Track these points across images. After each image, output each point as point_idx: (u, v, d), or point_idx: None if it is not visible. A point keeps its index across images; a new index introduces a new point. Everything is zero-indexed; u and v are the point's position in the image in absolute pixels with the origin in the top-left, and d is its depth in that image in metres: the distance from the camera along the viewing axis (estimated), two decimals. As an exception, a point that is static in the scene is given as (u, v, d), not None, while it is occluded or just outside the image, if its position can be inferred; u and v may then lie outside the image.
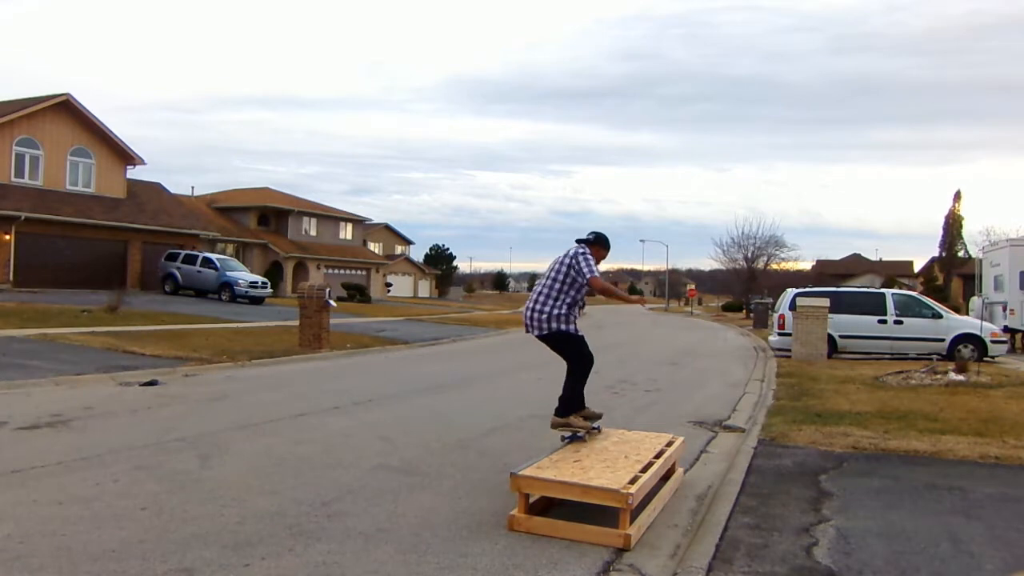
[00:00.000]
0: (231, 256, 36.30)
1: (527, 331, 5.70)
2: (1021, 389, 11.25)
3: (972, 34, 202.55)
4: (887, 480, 5.78)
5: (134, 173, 33.28)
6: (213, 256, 30.67)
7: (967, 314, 22.59)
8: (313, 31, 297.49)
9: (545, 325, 5.56)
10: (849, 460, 6.44)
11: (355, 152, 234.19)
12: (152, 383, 10.00)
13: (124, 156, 31.81)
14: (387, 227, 71.31)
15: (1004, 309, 20.28)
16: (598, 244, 5.76)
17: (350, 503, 4.87)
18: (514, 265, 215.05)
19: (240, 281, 29.02)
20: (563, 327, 5.56)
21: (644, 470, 4.65)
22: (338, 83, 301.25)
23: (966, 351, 16.60)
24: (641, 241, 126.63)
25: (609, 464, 4.73)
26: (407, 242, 74.67)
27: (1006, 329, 19.40)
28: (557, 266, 5.63)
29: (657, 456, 5.06)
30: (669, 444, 5.44)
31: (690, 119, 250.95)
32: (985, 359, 16.32)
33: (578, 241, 5.74)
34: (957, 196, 53.86)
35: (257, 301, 29.13)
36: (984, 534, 4.52)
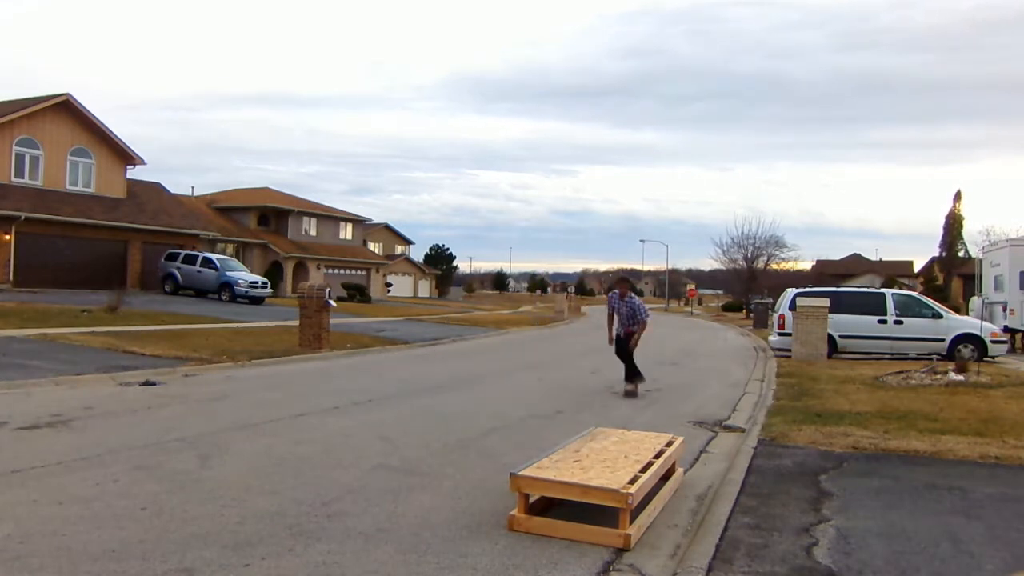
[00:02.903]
0: (231, 256, 36.29)
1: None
2: (1021, 389, 11.24)
3: (979, 31, 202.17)
4: (887, 480, 5.78)
5: (134, 173, 33.31)
6: (213, 256, 30.66)
7: (967, 314, 22.58)
8: (313, 29, 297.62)
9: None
10: (849, 460, 6.43)
11: (355, 151, 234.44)
12: (152, 383, 10.00)
13: (124, 156, 31.80)
14: (387, 227, 71.32)
15: (1004, 309, 20.27)
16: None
17: (350, 503, 4.87)
18: (514, 265, 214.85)
19: (240, 281, 29.01)
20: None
21: (644, 470, 4.65)
22: (338, 82, 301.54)
23: (966, 351, 16.59)
24: (641, 241, 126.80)
25: (609, 464, 4.73)
26: (407, 242, 74.68)
27: (1006, 329, 19.39)
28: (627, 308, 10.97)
29: (657, 456, 5.05)
30: (669, 444, 5.44)
31: (692, 118, 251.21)
32: (985, 359, 16.31)
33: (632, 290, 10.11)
34: (957, 196, 53.95)
35: (257, 301, 29.11)
36: (984, 534, 4.52)
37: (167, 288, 29.95)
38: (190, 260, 30.02)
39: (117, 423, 7.40)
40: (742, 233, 51.58)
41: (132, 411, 8.06)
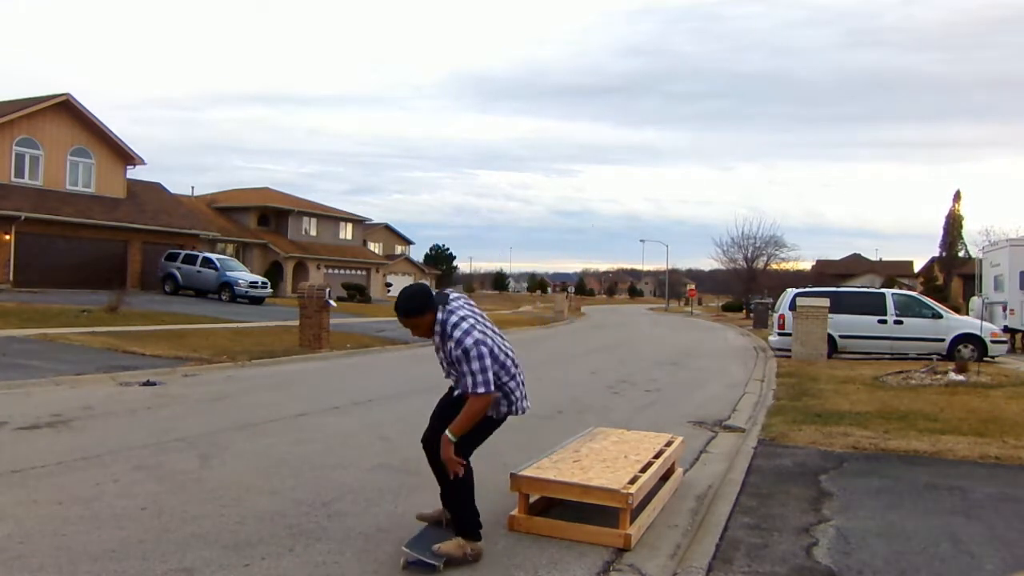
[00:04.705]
0: (231, 256, 36.29)
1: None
2: (1021, 389, 11.24)
3: (983, 29, 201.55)
4: (887, 480, 5.78)
5: (134, 173, 33.30)
6: (213, 256, 30.64)
7: (967, 314, 22.58)
8: (313, 29, 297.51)
9: None
10: (849, 460, 6.43)
11: (356, 151, 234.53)
12: (152, 383, 10.00)
13: (124, 156, 31.79)
14: (387, 227, 71.33)
15: (1004, 309, 20.26)
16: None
17: (350, 503, 4.87)
18: (514, 265, 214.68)
19: (240, 281, 29.00)
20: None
21: (644, 470, 4.65)
22: (338, 81, 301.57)
23: (966, 351, 16.58)
24: (641, 241, 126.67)
25: (609, 464, 4.73)
26: (407, 242, 74.69)
27: (1006, 329, 19.38)
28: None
29: (656, 456, 5.05)
30: (668, 444, 5.44)
31: (695, 117, 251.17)
32: (985, 359, 16.29)
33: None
34: (957, 196, 53.93)
35: (257, 301, 29.11)
36: (984, 534, 4.52)
37: (167, 288, 29.94)
38: (190, 260, 30.01)
39: (117, 423, 7.41)
40: (742, 233, 51.69)
41: (132, 411, 8.06)
